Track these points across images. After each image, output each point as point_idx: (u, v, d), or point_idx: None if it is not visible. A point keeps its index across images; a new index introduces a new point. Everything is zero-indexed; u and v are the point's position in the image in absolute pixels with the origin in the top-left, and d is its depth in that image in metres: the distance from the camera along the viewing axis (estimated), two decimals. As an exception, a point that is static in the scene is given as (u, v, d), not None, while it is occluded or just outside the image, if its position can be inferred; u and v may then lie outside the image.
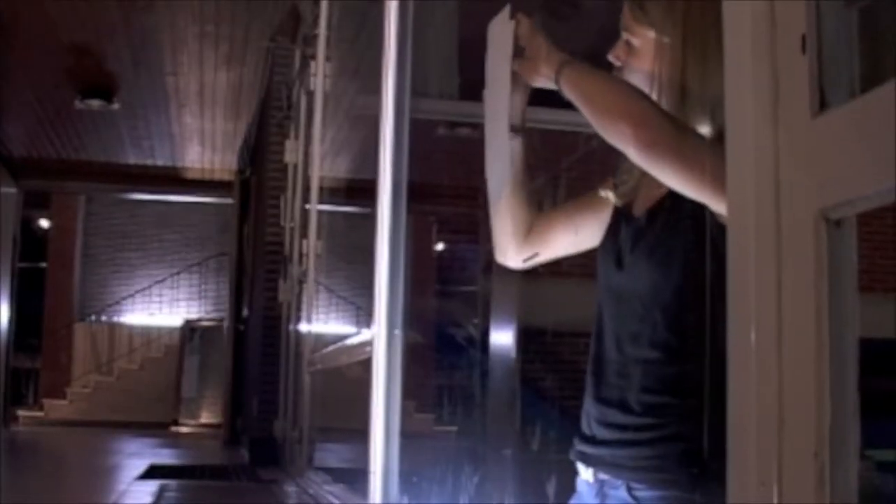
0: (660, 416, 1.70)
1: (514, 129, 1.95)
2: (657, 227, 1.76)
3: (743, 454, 1.00)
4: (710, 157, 1.48)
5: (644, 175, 1.77)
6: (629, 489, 1.73)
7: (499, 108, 1.92)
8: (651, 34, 1.78)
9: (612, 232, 1.89)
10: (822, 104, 0.94)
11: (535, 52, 1.83)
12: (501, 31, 1.89)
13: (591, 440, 1.83)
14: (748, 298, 1.00)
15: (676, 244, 1.71)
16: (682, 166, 1.55)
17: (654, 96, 1.75)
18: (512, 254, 2.06)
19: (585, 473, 1.86)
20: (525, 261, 2.07)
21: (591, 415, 1.85)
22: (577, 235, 1.99)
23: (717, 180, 1.35)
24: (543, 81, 1.82)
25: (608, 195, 1.91)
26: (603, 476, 1.80)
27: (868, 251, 11.23)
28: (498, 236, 2.06)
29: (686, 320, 1.66)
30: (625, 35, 1.83)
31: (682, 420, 1.65)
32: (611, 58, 1.85)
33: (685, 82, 1.73)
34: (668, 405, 1.69)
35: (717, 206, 1.50)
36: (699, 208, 1.59)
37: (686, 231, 1.67)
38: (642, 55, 1.80)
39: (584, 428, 1.87)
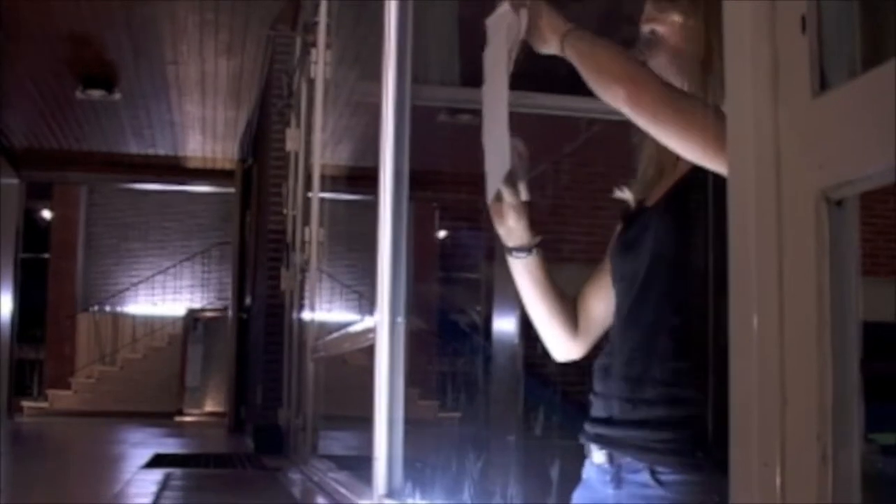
0: (686, 399, 1.67)
1: (525, 249, 1.98)
2: (672, 211, 1.77)
3: (745, 436, 1.00)
4: (710, 117, 1.53)
5: (658, 175, 1.85)
6: (652, 473, 1.70)
7: (498, 103, 1.91)
8: (678, 19, 1.84)
9: (625, 228, 1.92)
10: (823, 84, 0.93)
11: (540, 20, 1.84)
12: (499, 26, 1.89)
13: (609, 422, 1.80)
14: (749, 279, 1.00)
15: (693, 225, 1.72)
16: (681, 125, 1.58)
17: (680, 78, 1.80)
18: (573, 354, 2.08)
19: (599, 457, 1.82)
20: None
21: (609, 396, 1.82)
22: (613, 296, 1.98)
23: (719, 140, 1.37)
24: (549, 48, 1.83)
25: (624, 192, 1.95)
26: (621, 460, 1.77)
27: (870, 235, 11.24)
28: (552, 345, 2.08)
29: (708, 302, 1.65)
30: (649, 26, 1.87)
31: (709, 403, 1.63)
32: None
33: (709, 63, 1.75)
34: (694, 389, 1.65)
35: (720, 167, 1.52)
36: (715, 190, 1.60)
37: (701, 211, 1.69)
38: (667, 43, 1.85)
39: (600, 410, 1.84)
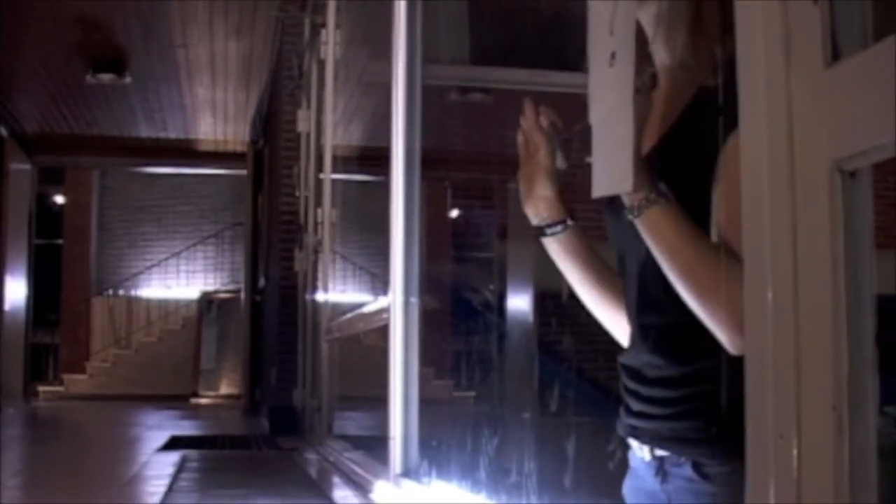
0: (718, 384, 1.46)
1: (560, 223, 1.75)
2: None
3: (761, 409, 1.00)
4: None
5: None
6: (695, 466, 1.53)
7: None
8: None
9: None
10: (835, 55, 0.93)
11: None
12: None
13: (642, 414, 1.63)
14: (763, 252, 0.99)
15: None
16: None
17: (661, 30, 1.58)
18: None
19: (640, 450, 1.66)
20: None
21: (637, 387, 1.64)
22: None
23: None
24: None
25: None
26: (661, 453, 1.60)
27: (883, 208, 11.20)
28: (617, 329, 1.80)
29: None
30: None
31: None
32: None
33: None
34: (726, 371, 1.41)
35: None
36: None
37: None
38: None
39: (631, 401, 1.66)
